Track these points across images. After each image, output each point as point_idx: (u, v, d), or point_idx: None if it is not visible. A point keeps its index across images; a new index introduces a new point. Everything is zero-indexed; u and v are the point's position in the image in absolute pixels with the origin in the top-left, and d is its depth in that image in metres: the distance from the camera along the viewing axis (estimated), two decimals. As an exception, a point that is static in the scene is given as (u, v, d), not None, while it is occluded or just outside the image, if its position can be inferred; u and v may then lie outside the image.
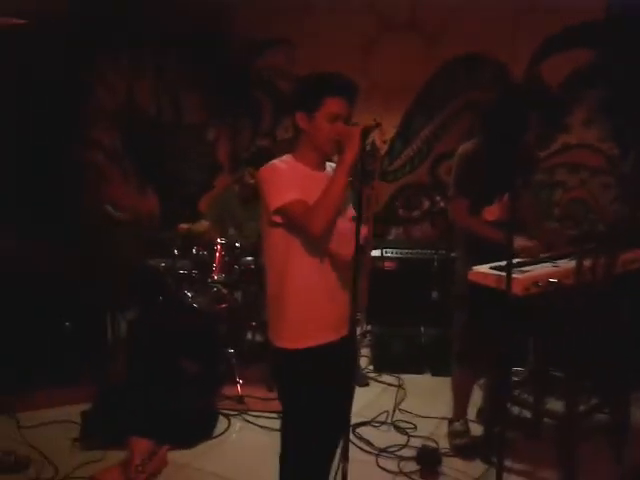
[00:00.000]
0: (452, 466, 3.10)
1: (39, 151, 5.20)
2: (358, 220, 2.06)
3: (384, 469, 3.07)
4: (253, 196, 4.11)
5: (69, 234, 4.73)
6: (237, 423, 3.55)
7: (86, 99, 5.66)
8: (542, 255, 2.92)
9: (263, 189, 2.08)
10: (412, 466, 3.08)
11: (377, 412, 3.60)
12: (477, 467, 3.08)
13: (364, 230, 2.19)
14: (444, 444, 3.25)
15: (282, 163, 2.12)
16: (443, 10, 4.68)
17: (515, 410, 3.29)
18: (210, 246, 4.09)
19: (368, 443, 3.27)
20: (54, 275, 3.99)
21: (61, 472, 2.96)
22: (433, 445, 3.23)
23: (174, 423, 3.21)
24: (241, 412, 3.63)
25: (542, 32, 4.46)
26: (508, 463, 2.90)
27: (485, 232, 2.94)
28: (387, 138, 4.99)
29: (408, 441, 3.31)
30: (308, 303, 2.14)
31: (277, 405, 3.31)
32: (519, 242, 2.78)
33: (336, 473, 2.17)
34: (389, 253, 4.47)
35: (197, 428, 3.34)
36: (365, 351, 4.48)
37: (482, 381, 3.63)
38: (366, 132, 2.01)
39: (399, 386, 3.99)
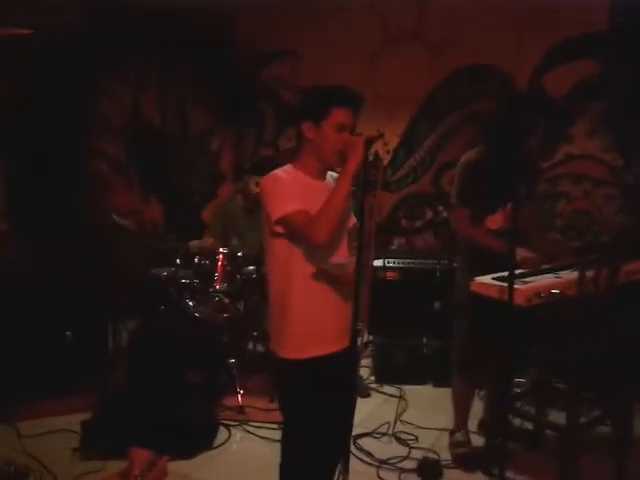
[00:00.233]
0: (453, 478, 3.08)
1: (45, 161, 5.23)
2: (360, 230, 2.07)
3: (385, 481, 3.05)
4: (256, 206, 4.12)
5: (72, 243, 4.75)
6: (237, 434, 3.53)
7: (92, 110, 5.70)
8: (544, 266, 2.91)
9: (264, 199, 2.10)
10: (413, 478, 3.06)
11: (378, 423, 3.58)
12: (478, 479, 3.06)
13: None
14: (445, 456, 3.23)
15: (283, 173, 2.13)
16: (448, 21, 4.70)
17: (516, 422, 3.27)
18: (212, 256, 4.09)
19: (369, 454, 3.25)
20: (56, 284, 3.99)
21: (61, 482, 2.95)
22: (434, 457, 3.21)
23: (174, 433, 3.20)
24: (242, 422, 3.61)
25: (546, 43, 4.47)
26: (509, 475, 2.87)
27: (487, 241, 2.93)
28: (390, 148, 5.00)
29: (409, 453, 3.29)
30: (310, 313, 2.14)
31: (278, 416, 3.30)
32: (520, 253, 2.78)
33: (336, 485, 2.16)
34: (391, 263, 4.46)
35: (197, 438, 3.32)
36: (366, 362, 4.46)
37: (483, 392, 3.62)
38: (369, 142, 2.03)
39: (400, 397, 3.97)
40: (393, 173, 5.05)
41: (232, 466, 3.20)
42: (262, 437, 3.46)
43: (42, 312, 3.83)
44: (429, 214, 5.05)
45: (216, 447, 3.36)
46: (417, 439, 3.44)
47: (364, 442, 3.38)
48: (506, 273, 2.51)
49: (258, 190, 2.27)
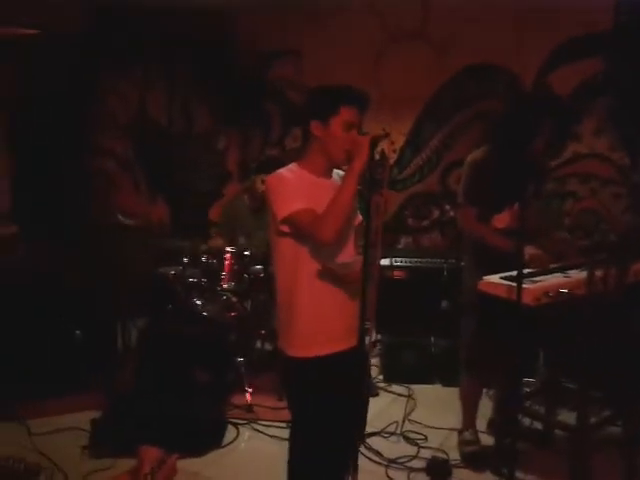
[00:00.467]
0: (462, 478, 3.08)
1: (51, 161, 5.25)
2: (367, 229, 2.07)
3: (393, 480, 3.05)
4: (263, 205, 4.12)
5: (80, 243, 4.77)
6: (246, 432, 3.54)
7: (98, 110, 5.72)
8: (552, 265, 2.91)
9: (270, 199, 2.11)
10: (422, 477, 3.07)
11: (387, 422, 3.58)
12: (487, 479, 3.06)
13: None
14: (454, 455, 3.23)
15: (288, 172, 2.14)
16: (452, 20, 4.69)
17: (526, 421, 3.27)
18: (220, 255, 4.11)
19: (377, 454, 3.26)
20: (64, 283, 4.01)
21: (70, 480, 2.97)
22: (443, 456, 3.21)
23: (183, 431, 3.21)
24: (250, 421, 3.62)
25: (551, 42, 4.46)
26: (519, 475, 2.86)
27: (494, 240, 2.93)
28: (396, 147, 5.00)
29: (418, 452, 3.29)
30: (317, 312, 2.15)
31: (286, 414, 3.30)
32: (528, 251, 2.77)
33: (346, 484, 2.16)
34: (398, 262, 4.46)
35: (206, 437, 3.34)
36: (375, 361, 4.46)
37: (492, 392, 3.61)
38: (375, 141, 2.04)
39: (409, 396, 3.97)
40: (399, 172, 5.05)
41: (241, 464, 3.21)
42: (271, 436, 3.46)
43: (52, 312, 3.85)
44: (436, 213, 5.04)
45: (225, 445, 3.37)
46: (426, 438, 3.43)
47: (373, 441, 3.38)
48: (514, 272, 2.51)
49: (264, 188, 2.29)
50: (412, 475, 3.08)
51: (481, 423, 3.35)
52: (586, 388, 2.84)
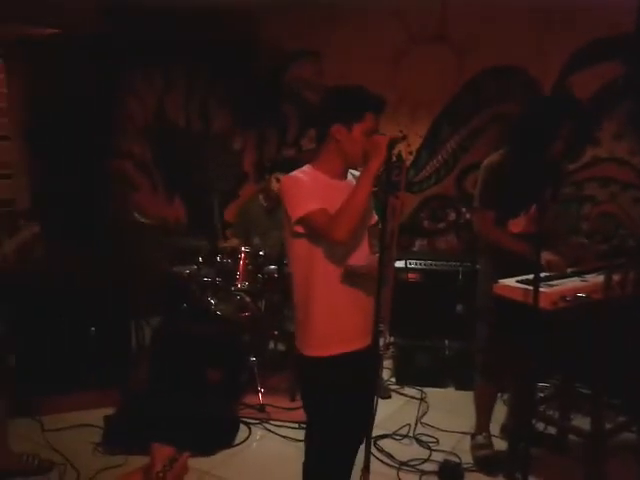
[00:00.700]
0: (475, 482, 3.06)
1: (72, 161, 5.31)
2: (382, 230, 2.08)
3: (405, 483, 3.04)
4: (277, 204, 4.13)
5: (97, 241, 4.80)
6: (258, 432, 3.55)
7: (117, 110, 5.77)
8: (569, 269, 2.88)
9: (284, 200, 2.13)
10: (434, 481, 3.05)
11: (399, 425, 3.56)
12: (500, 483, 3.04)
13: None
14: (467, 459, 3.21)
15: (302, 174, 2.16)
16: (472, 23, 4.66)
17: (540, 426, 3.24)
18: (234, 254, 4.12)
19: (389, 456, 3.24)
20: (80, 281, 4.04)
21: (83, 476, 2.99)
22: (455, 460, 3.19)
23: (196, 430, 3.21)
24: (262, 421, 3.62)
25: (572, 44, 4.41)
26: (532, 480, 2.85)
27: (510, 244, 2.91)
28: (413, 149, 4.98)
29: (430, 455, 3.27)
30: (333, 311, 2.17)
31: (299, 415, 3.32)
32: (545, 256, 2.75)
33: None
34: (413, 265, 4.43)
35: (218, 436, 3.34)
36: (388, 363, 4.44)
37: (506, 396, 3.58)
38: (392, 143, 2.05)
39: (421, 399, 3.95)
40: (416, 174, 5.03)
41: (252, 464, 3.22)
42: (282, 436, 3.46)
43: (67, 309, 3.88)
44: (452, 216, 5.01)
45: (236, 445, 3.37)
46: (438, 442, 3.42)
47: (385, 443, 3.37)
48: (531, 276, 2.49)
49: (278, 186, 2.30)
50: (424, 478, 3.07)
51: (494, 427, 3.33)
52: (601, 393, 2.80)
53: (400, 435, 3.49)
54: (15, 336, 3.62)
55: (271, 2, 4.83)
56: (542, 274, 2.56)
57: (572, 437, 3.22)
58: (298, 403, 3.71)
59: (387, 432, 3.49)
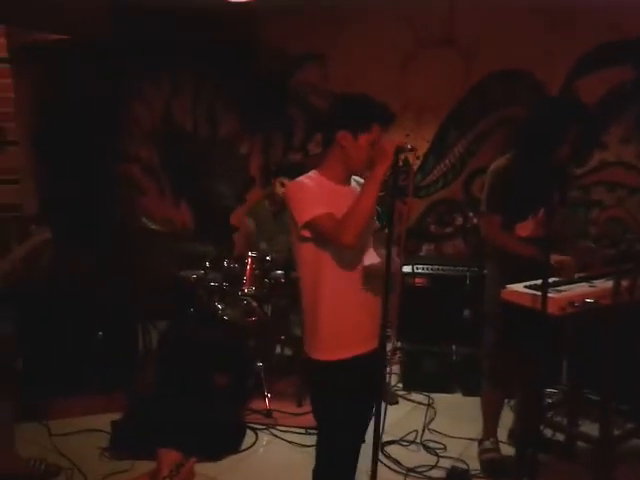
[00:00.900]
0: (482, 488, 3.05)
1: (79, 165, 5.32)
2: (389, 236, 2.09)
3: (412, 489, 3.03)
4: (283, 208, 4.13)
5: (104, 245, 4.81)
6: (264, 437, 3.54)
7: (125, 115, 5.79)
8: (577, 275, 2.86)
9: (290, 205, 2.15)
10: (441, 487, 3.03)
11: (406, 431, 3.55)
12: (508, 490, 3.02)
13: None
14: (474, 466, 3.19)
15: (308, 179, 2.19)
16: (479, 26, 4.65)
17: (548, 432, 3.22)
18: (241, 259, 4.12)
19: (396, 462, 3.23)
20: (87, 285, 4.05)
21: (89, 481, 2.99)
22: (463, 466, 3.17)
23: (202, 435, 3.21)
24: (269, 426, 3.62)
25: (578, 49, 4.40)
26: (540, 487, 2.82)
27: (517, 248, 2.90)
28: (420, 153, 4.97)
29: (437, 462, 3.25)
30: (341, 315, 2.18)
31: (305, 420, 3.31)
32: (554, 258, 2.73)
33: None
34: (420, 269, 4.42)
35: (225, 441, 3.34)
36: (395, 368, 4.43)
37: (513, 402, 3.56)
38: (399, 150, 2.05)
39: (429, 405, 3.93)
40: (423, 178, 5.02)
41: (259, 470, 3.21)
42: (289, 441, 3.45)
43: (74, 313, 3.88)
44: (459, 220, 5.00)
45: (243, 450, 3.37)
46: (445, 448, 3.40)
47: (392, 449, 3.36)
48: (539, 281, 2.48)
49: (284, 190, 2.32)
50: (431, 485, 3.05)
51: (502, 433, 3.31)
52: (609, 399, 2.79)
53: (407, 441, 3.47)
54: (22, 340, 3.63)
55: (277, 5, 4.83)
56: (550, 279, 2.55)
57: (580, 443, 3.20)
58: (305, 408, 3.70)
59: (394, 438, 3.47)
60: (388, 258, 2.07)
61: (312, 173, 2.22)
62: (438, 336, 4.23)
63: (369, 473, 2.20)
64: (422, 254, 5.06)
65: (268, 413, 3.71)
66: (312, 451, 2.34)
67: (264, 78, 5.39)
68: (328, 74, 5.16)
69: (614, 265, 2.79)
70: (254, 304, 4.09)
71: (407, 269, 4.39)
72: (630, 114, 4.37)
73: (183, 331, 4.05)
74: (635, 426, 3.00)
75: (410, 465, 3.19)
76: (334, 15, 4.97)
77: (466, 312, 4.18)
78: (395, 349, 4.57)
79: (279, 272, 4.14)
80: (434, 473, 3.14)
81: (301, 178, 2.19)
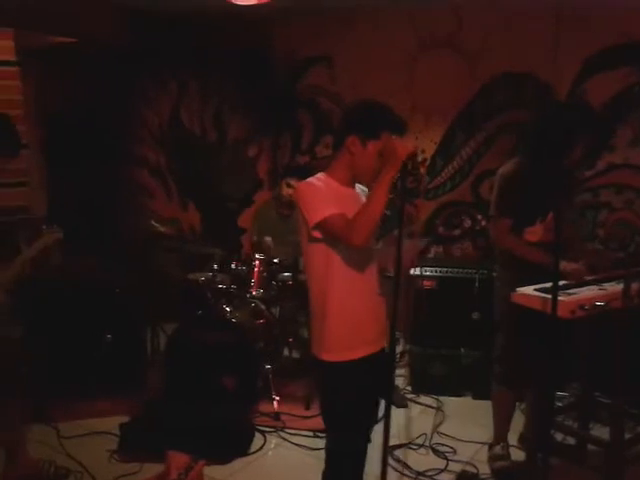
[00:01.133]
0: (492, 492, 3.03)
1: (85, 167, 5.34)
2: (399, 237, 2.09)
3: (422, 493, 3.01)
4: (290, 210, 4.13)
5: (113, 247, 4.83)
6: (273, 440, 3.53)
7: (133, 118, 5.81)
8: (587, 278, 2.85)
9: (300, 206, 2.16)
10: (451, 491, 3.02)
11: (415, 434, 3.53)
12: (518, 494, 3.01)
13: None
14: (484, 470, 3.18)
15: (317, 180, 2.20)
16: (485, 29, 4.65)
17: (559, 436, 3.20)
18: (249, 262, 4.12)
19: (405, 466, 3.21)
20: (96, 288, 4.06)
21: (98, 484, 2.99)
22: (473, 470, 3.16)
23: (210, 438, 3.21)
24: (277, 429, 3.61)
25: (585, 52, 4.39)
26: (551, 491, 2.80)
27: (526, 253, 2.89)
28: (427, 156, 4.97)
29: (447, 465, 3.24)
30: (349, 316, 2.20)
31: (314, 423, 3.31)
32: (564, 267, 2.72)
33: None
34: (429, 272, 4.41)
35: (233, 444, 3.33)
36: (403, 371, 4.41)
37: (524, 405, 3.54)
38: (411, 157, 2.06)
39: (438, 408, 3.92)
40: (430, 181, 5.01)
41: (267, 472, 3.20)
42: (297, 444, 3.44)
43: (82, 315, 3.90)
44: (467, 222, 4.99)
45: (251, 453, 3.36)
46: (455, 452, 3.38)
47: (401, 453, 3.34)
48: (549, 284, 2.47)
49: (291, 192, 2.33)
50: (441, 489, 3.04)
51: (512, 436, 3.29)
52: (620, 403, 2.77)
53: (416, 445, 3.45)
54: (31, 342, 3.64)
55: (284, 9, 4.84)
56: (560, 282, 2.54)
57: (591, 447, 3.18)
58: (313, 411, 3.70)
59: (403, 442, 3.46)
60: (399, 260, 2.07)
61: (320, 175, 2.24)
62: (447, 339, 4.21)
63: (378, 477, 2.19)
64: (430, 256, 5.04)
65: (276, 416, 3.71)
66: (321, 454, 2.34)
67: (272, 81, 5.40)
68: (335, 77, 5.17)
69: (623, 268, 2.77)
70: (262, 306, 4.10)
71: (416, 271, 4.37)
72: (637, 117, 4.35)
73: (191, 334, 4.04)
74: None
75: (419, 469, 3.18)
76: (341, 18, 4.98)
77: (475, 315, 4.16)
78: (403, 352, 4.57)
79: (287, 274, 4.14)
80: (443, 477, 3.13)
81: (310, 179, 2.20)
